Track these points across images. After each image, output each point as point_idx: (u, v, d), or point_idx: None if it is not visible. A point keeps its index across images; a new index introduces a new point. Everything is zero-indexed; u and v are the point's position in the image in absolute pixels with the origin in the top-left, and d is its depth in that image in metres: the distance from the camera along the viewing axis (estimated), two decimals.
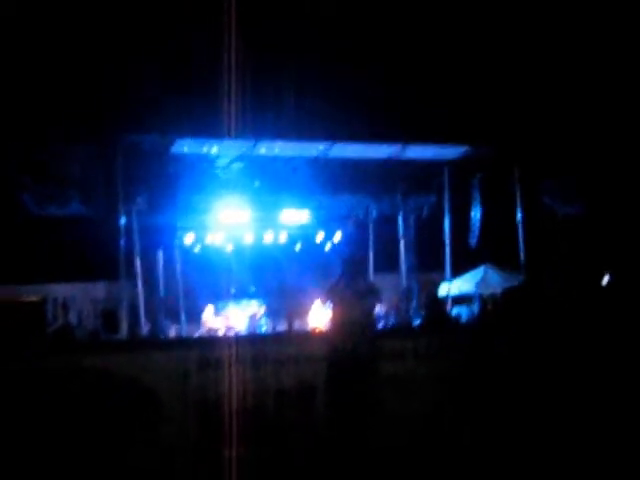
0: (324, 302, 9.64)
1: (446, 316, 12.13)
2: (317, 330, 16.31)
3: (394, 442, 8.10)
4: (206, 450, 8.01)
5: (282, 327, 18.91)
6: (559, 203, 18.70)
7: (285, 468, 7.70)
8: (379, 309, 10.65)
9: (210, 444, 7.99)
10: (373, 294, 8.62)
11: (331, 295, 8.72)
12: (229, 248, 20.30)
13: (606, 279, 9.41)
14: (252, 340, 10.16)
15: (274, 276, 20.80)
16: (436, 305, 10.91)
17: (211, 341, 10.07)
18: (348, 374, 8.27)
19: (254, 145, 17.10)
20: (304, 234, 20.52)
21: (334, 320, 8.76)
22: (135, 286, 17.67)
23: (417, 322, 15.58)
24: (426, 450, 8.06)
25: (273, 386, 8.36)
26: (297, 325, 17.92)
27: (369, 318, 8.60)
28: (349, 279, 8.57)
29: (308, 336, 11.82)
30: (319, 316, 17.79)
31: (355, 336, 8.33)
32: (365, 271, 8.90)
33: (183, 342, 11.38)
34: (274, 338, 10.23)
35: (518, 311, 7.75)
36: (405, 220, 19.92)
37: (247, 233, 19.85)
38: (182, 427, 8.21)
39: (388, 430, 8.13)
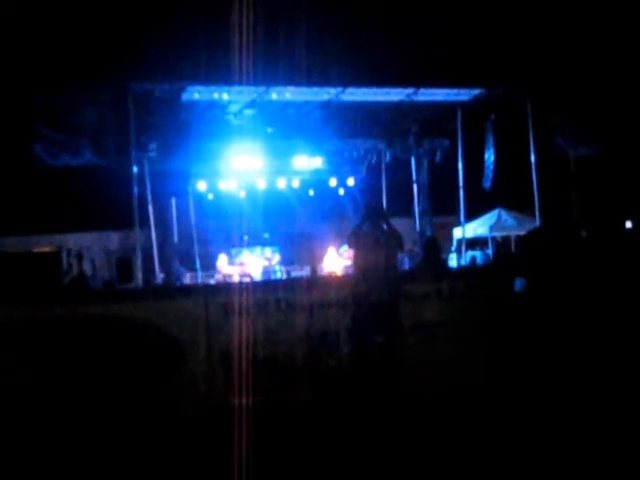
0: (348, 246, 9.55)
1: (441, 261, 12.07)
2: (333, 275, 16.37)
3: (419, 385, 8.13)
4: (228, 396, 8.03)
5: (296, 273, 19.00)
6: (572, 143, 18.47)
7: (309, 414, 7.72)
8: (400, 255, 10.58)
9: (233, 390, 8.01)
10: (395, 239, 8.56)
11: (353, 240, 8.67)
12: (242, 195, 20.28)
13: (629, 224, 9.31)
14: (277, 285, 10.11)
15: (288, 222, 20.82)
16: (432, 249, 10.84)
17: (235, 287, 10.02)
18: (371, 319, 8.28)
19: (265, 91, 16.93)
20: (317, 179, 20.46)
21: (356, 265, 8.74)
22: (149, 234, 17.68)
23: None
24: (453, 393, 8.07)
25: (299, 332, 8.36)
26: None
27: (391, 263, 8.56)
28: (371, 224, 8.52)
29: (333, 281, 11.77)
30: (334, 262, 17.86)
31: (377, 281, 8.31)
32: (387, 216, 8.78)
33: (206, 288, 11.33)
34: (300, 283, 10.14)
35: (540, 254, 7.62)
36: (418, 164, 19.79)
37: (260, 179, 19.80)
38: (205, 373, 8.24)
39: (413, 374, 8.17)
